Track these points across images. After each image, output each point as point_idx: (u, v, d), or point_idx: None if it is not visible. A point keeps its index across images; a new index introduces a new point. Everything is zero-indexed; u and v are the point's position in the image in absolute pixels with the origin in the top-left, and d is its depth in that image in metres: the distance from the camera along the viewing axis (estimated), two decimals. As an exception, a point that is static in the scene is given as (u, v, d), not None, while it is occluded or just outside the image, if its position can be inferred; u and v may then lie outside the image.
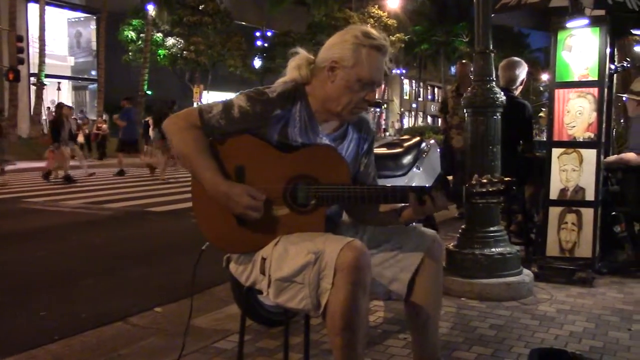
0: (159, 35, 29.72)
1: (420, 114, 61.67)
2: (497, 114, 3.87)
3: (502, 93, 3.90)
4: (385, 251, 2.22)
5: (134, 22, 29.29)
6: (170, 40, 30.01)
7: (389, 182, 3.61)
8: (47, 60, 25.87)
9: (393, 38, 36.17)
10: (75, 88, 33.75)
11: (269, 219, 2.10)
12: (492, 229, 3.89)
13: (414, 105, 60.38)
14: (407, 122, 56.84)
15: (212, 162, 2.07)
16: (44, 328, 3.48)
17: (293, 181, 2.10)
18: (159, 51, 29.76)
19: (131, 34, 29.38)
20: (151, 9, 28.65)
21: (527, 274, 3.91)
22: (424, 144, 3.95)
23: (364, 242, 2.16)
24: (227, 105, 2.11)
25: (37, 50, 25.68)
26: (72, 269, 5.10)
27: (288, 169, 2.10)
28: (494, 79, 3.89)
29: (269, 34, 36.82)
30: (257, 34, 36.61)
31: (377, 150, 3.98)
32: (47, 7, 26.18)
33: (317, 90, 2.17)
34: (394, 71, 49.25)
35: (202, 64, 30.23)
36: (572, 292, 3.91)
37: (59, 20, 31.57)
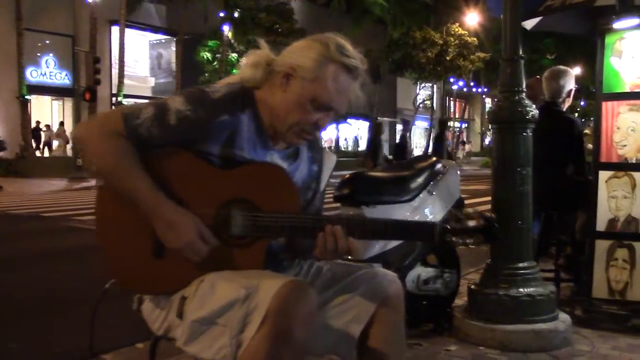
0: (234, 55, 30.16)
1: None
2: (527, 131, 3.31)
3: (534, 106, 3.34)
4: (334, 295, 1.80)
5: (210, 43, 29.88)
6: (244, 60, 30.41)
7: (390, 209, 3.14)
8: (128, 82, 26.74)
9: (473, 57, 35.25)
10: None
11: None
12: (520, 265, 3.32)
13: (496, 125, 58.69)
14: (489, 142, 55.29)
15: (149, 178, 1.66)
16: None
17: (227, 206, 1.68)
18: (233, 71, 30.17)
19: (207, 55, 29.98)
20: (227, 29, 29.16)
21: (563, 320, 3.30)
22: (439, 166, 3.43)
23: (312, 281, 1.79)
24: (161, 108, 1.68)
25: (120, 72, 26.61)
26: (69, 296, 4.81)
27: (222, 191, 1.70)
28: (524, 89, 3.33)
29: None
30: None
31: (377, 174, 3.54)
32: (129, 30, 27.13)
33: (268, 97, 1.76)
34: (475, 90, 48.08)
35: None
36: (620, 343, 3.27)
37: (141, 42, 32.64)
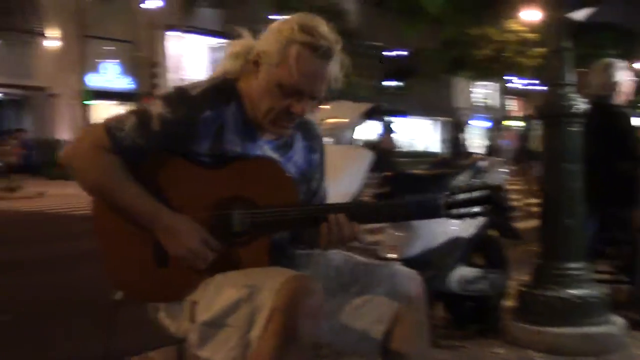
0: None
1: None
2: (575, 125, 3.17)
3: (583, 100, 3.20)
4: (352, 296, 1.75)
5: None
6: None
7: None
8: (186, 85, 27.19)
9: (532, 52, 34.37)
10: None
11: None
12: (572, 265, 3.17)
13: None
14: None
15: (141, 189, 1.64)
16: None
17: (224, 205, 1.66)
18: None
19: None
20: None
21: (617, 324, 3.14)
22: (482, 163, 3.33)
23: (325, 281, 1.72)
24: (143, 116, 1.66)
25: (178, 77, 27.12)
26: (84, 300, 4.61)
27: (217, 191, 1.67)
28: (572, 82, 3.19)
29: (399, 52, 36.41)
30: (387, 53, 36.32)
31: (418, 172, 3.46)
32: (188, 35, 27.64)
33: (247, 87, 1.72)
34: (537, 87, 46.86)
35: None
36: (679, 349, 3.09)
37: (200, 47, 33.23)
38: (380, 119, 2.85)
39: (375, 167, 4.69)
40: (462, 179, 3.18)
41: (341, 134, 2.93)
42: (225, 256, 1.67)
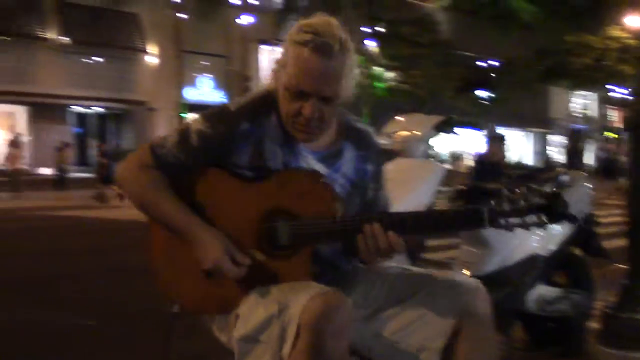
0: (378, 69, 30.32)
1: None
2: (667, 137, 2.97)
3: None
4: (409, 309, 1.69)
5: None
6: (388, 74, 30.45)
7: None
8: (278, 98, 27.76)
9: (635, 58, 32.60)
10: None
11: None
12: (663, 287, 2.97)
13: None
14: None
15: (178, 201, 1.70)
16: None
17: (268, 218, 1.67)
18: (378, 84, 30.30)
19: (353, 70, 30.44)
20: (369, 44, 29.42)
21: None
22: (564, 177, 3.17)
23: (381, 294, 1.70)
24: (183, 133, 1.72)
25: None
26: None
27: (259, 204, 1.68)
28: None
29: (491, 62, 35.55)
30: (479, 62, 35.54)
31: (495, 185, 3.32)
32: (279, 48, 28.15)
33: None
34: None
35: (420, 96, 30.13)
36: None
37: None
38: (451, 132, 2.78)
39: (482, 178, 4.58)
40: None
41: (413, 147, 2.87)
42: (268, 270, 1.68)
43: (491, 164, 5.94)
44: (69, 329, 4.14)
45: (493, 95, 32.88)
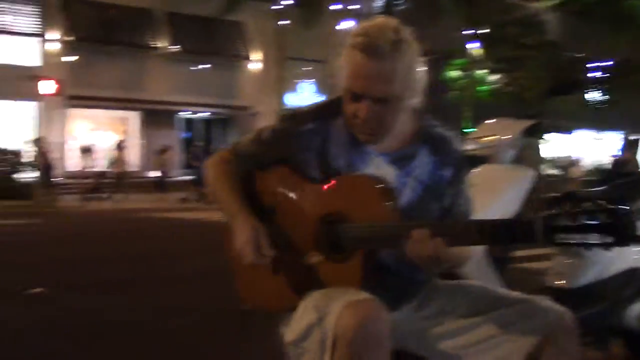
0: (482, 72, 29.61)
1: None
2: None
3: None
4: (486, 324, 1.64)
5: (457, 61, 29.72)
6: (492, 77, 29.66)
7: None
8: (377, 102, 27.72)
9: None
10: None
11: (303, 269, 1.72)
12: None
13: None
14: None
15: (235, 192, 1.79)
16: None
17: (327, 220, 1.69)
18: (481, 87, 29.59)
19: (455, 73, 29.87)
20: (473, 46, 28.80)
21: None
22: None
23: (459, 308, 1.66)
24: (259, 130, 1.85)
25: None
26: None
27: (321, 205, 1.71)
28: None
29: (604, 64, 33.79)
30: (591, 64, 33.88)
31: (585, 191, 3.12)
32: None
33: None
34: None
35: (525, 99, 29.12)
36: None
37: (390, 64, 33.76)
38: (542, 137, 2.61)
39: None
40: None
41: (501, 153, 2.76)
42: (323, 273, 1.69)
43: (622, 170, 5.64)
44: (172, 328, 4.29)
45: (605, 97, 31.26)
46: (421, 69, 1.69)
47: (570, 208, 1.39)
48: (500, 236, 1.55)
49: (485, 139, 2.81)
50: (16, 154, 19.95)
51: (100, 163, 21.33)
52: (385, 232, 1.64)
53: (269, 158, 1.80)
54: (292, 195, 1.77)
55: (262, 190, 1.82)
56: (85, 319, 4.54)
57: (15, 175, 19.21)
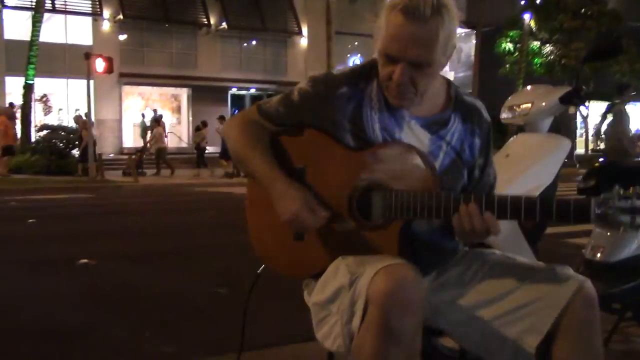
0: (536, 43, 28.75)
1: None
2: None
3: None
4: (506, 298, 1.59)
5: (511, 33, 28.93)
6: (547, 48, 28.76)
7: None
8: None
9: None
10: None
11: (331, 234, 1.67)
12: None
13: None
14: None
15: (269, 156, 1.72)
16: None
17: (360, 187, 1.64)
18: (535, 60, 28.77)
19: (509, 46, 29.08)
20: (527, 18, 27.95)
21: None
22: None
23: (477, 277, 1.64)
24: (288, 91, 1.79)
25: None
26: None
27: (356, 172, 1.65)
28: None
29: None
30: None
31: (633, 162, 2.97)
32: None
33: None
34: None
35: (582, 72, 28.13)
36: None
37: (441, 37, 33.10)
38: (581, 104, 2.45)
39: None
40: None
41: (537, 121, 2.64)
42: (356, 239, 1.64)
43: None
44: (204, 297, 4.36)
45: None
46: (457, 36, 1.65)
47: (621, 191, 1.42)
48: (554, 214, 1.51)
49: (521, 106, 2.70)
50: (71, 131, 20.48)
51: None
52: (431, 202, 1.58)
53: (299, 121, 1.74)
54: (323, 159, 1.70)
55: (291, 153, 1.75)
56: (125, 290, 4.63)
57: (72, 152, 19.77)
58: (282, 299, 3.35)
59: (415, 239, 1.65)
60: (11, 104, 20.48)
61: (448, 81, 1.78)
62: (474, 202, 1.53)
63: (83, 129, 18.22)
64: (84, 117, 18.74)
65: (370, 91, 1.70)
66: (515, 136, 2.75)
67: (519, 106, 2.73)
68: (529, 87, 2.94)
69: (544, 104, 2.64)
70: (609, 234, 2.73)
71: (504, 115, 2.83)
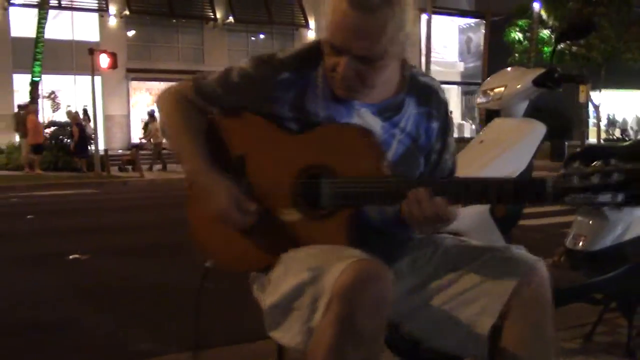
0: (546, 32, 28.42)
1: None
2: None
3: None
4: (459, 282, 1.52)
5: (520, 22, 28.63)
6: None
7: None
8: (436, 67, 27.12)
9: None
10: (464, 93, 34.63)
11: (276, 225, 1.57)
12: None
13: None
14: None
15: (196, 144, 1.62)
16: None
17: (305, 174, 1.54)
18: (545, 48, 28.44)
19: (518, 35, 28.79)
20: (537, 6, 27.63)
21: None
22: None
23: (431, 264, 1.57)
24: (227, 69, 1.65)
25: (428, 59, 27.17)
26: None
27: (299, 157, 1.55)
28: None
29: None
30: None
31: (616, 146, 2.86)
32: (438, 16, 27.46)
33: None
34: None
35: (593, 60, 27.80)
36: None
37: (450, 28, 32.85)
38: (556, 87, 2.33)
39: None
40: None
41: (510, 106, 2.54)
42: (303, 230, 1.54)
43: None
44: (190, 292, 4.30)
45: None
46: (413, 25, 1.50)
47: (586, 165, 1.33)
48: (509, 195, 1.43)
49: (494, 90, 2.59)
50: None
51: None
52: (379, 188, 1.48)
53: (235, 103, 1.62)
54: (265, 145, 1.59)
55: (229, 138, 1.63)
56: (114, 284, 4.60)
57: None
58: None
59: (365, 228, 1.55)
60: (32, 101, 20.40)
61: (402, 60, 1.62)
62: (422, 187, 1.43)
63: (74, 124, 18.19)
64: (87, 114, 18.69)
65: (315, 77, 1.58)
66: (490, 123, 2.64)
67: (492, 90, 2.62)
68: (505, 70, 2.83)
69: (518, 86, 2.53)
70: (591, 222, 2.63)
71: (479, 100, 2.73)
